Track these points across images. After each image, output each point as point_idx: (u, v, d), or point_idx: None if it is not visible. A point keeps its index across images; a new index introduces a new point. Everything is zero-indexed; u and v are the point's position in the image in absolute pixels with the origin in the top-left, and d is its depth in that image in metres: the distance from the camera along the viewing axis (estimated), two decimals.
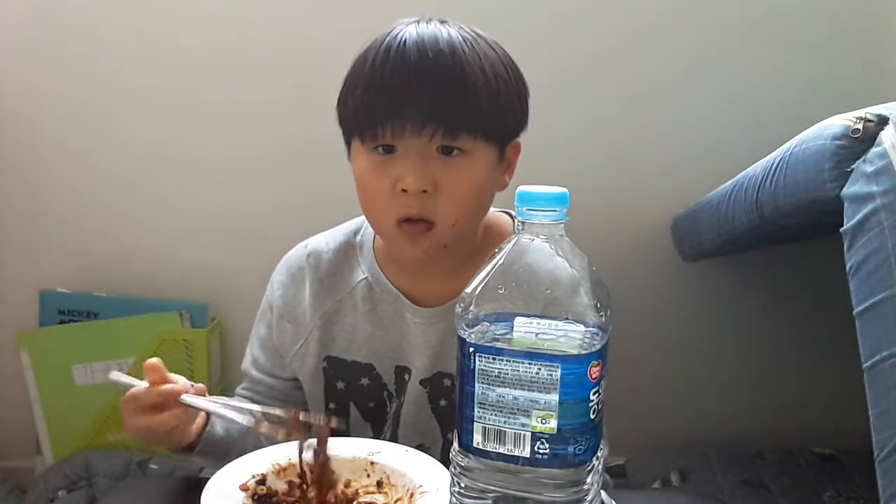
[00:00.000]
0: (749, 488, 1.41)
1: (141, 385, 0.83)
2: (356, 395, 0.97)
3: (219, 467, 0.78)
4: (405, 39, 0.83)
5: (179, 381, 0.83)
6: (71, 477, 1.40)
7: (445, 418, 0.96)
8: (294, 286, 0.98)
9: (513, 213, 0.97)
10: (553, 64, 1.51)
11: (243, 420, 0.79)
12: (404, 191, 0.83)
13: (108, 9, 1.49)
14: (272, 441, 0.79)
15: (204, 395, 0.84)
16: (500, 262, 0.63)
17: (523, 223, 0.62)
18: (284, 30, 1.49)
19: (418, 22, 0.85)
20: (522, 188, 0.62)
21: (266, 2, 1.48)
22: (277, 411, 0.80)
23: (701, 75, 1.52)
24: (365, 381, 0.97)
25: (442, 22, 0.86)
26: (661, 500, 1.11)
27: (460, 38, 0.84)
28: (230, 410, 0.81)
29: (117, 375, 0.86)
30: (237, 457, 0.85)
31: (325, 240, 1.00)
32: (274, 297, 1.00)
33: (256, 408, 0.82)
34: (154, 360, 0.82)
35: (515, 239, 0.63)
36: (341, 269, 0.98)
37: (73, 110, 1.52)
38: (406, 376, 0.96)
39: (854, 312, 0.80)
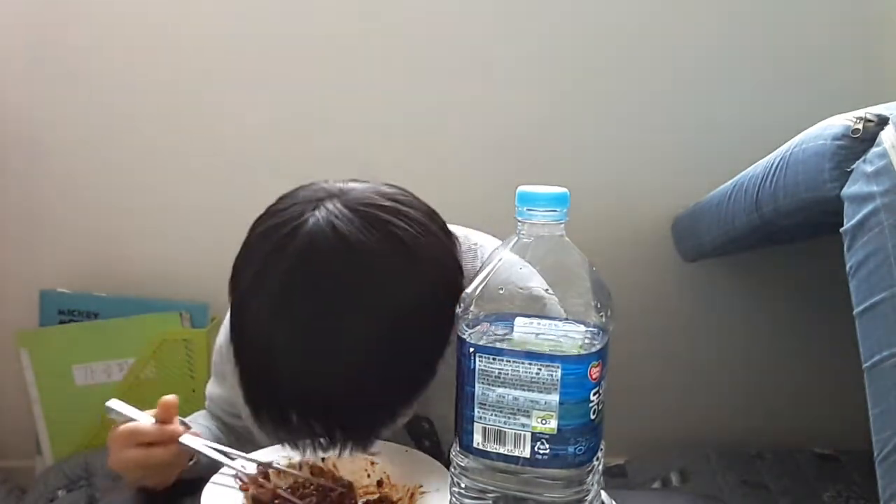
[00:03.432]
0: (749, 488, 1.41)
1: (139, 417, 0.81)
2: None
3: None
4: (284, 341, 0.67)
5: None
6: (71, 477, 1.40)
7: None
8: None
9: (458, 234, 0.85)
10: (554, 65, 1.51)
11: (235, 471, 0.78)
12: None
13: (108, 9, 1.49)
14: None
15: (199, 436, 0.82)
16: (501, 262, 0.62)
17: (523, 223, 0.62)
18: (284, 31, 1.49)
19: (308, 262, 0.67)
20: (522, 188, 0.62)
21: (265, 3, 1.48)
22: (280, 462, 0.77)
23: (701, 76, 1.52)
24: None
25: (336, 241, 0.67)
26: (661, 500, 1.11)
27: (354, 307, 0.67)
28: (225, 458, 0.79)
29: (116, 404, 0.83)
30: None
31: None
32: (230, 352, 0.87)
33: (255, 457, 0.79)
34: (172, 398, 0.79)
35: (516, 239, 0.63)
36: None
37: (72, 110, 1.51)
38: None
39: (854, 312, 0.80)
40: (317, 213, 0.69)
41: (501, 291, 0.61)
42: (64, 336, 1.52)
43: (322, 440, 0.69)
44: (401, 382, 0.70)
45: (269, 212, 0.73)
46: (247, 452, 0.81)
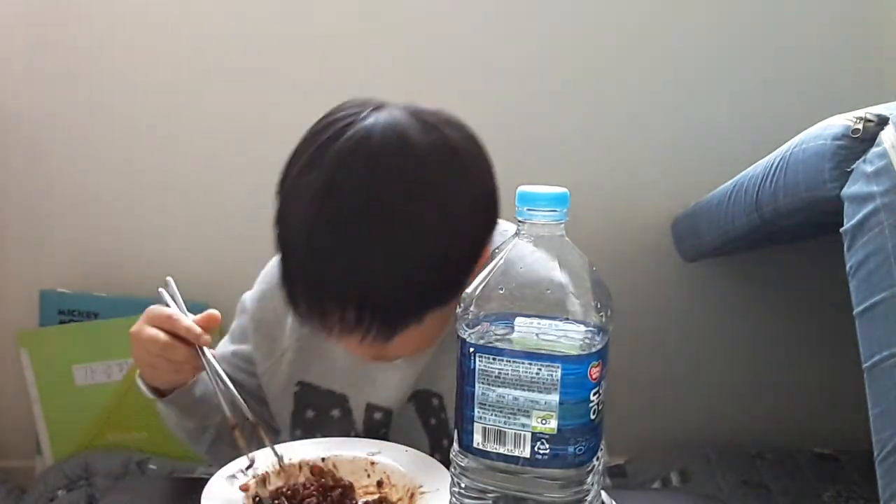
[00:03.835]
0: (749, 488, 1.41)
1: (182, 312, 0.84)
2: (324, 427, 0.91)
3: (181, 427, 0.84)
4: (333, 231, 0.71)
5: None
6: (70, 477, 1.40)
7: (436, 435, 0.91)
8: (277, 299, 0.87)
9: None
10: (554, 65, 1.51)
11: (226, 409, 0.81)
12: None
13: (108, 9, 1.49)
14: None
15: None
16: (501, 262, 0.62)
17: (523, 223, 0.62)
18: (284, 31, 1.49)
19: (363, 164, 0.71)
20: (522, 188, 0.62)
21: (265, 3, 1.48)
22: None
23: (701, 76, 1.52)
24: (336, 413, 0.91)
25: (383, 152, 0.72)
26: (661, 500, 1.11)
27: (398, 206, 0.71)
28: (227, 395, 0.82)
29: (172, 285, 0.89)
30: (201, 423, 0.87)
31: None
32: (254, 308, 0.95)
33: (243, 405, 0.82)
34: (218, 315, 0.83)
35: (515, 239, 0.63)
36: None
37: (72, 111, 1.51)
38: (377, 415, 0.91)
39: (854, 312, 0.80)
40: (376, 113, 0.74)
41: (501, 291, 0.61)
42: (64, 336, 1.52)
43: (349, 325, 0.73)
44: (437, 278, 0.74)
45: (328, 113, 0.79)
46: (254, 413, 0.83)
